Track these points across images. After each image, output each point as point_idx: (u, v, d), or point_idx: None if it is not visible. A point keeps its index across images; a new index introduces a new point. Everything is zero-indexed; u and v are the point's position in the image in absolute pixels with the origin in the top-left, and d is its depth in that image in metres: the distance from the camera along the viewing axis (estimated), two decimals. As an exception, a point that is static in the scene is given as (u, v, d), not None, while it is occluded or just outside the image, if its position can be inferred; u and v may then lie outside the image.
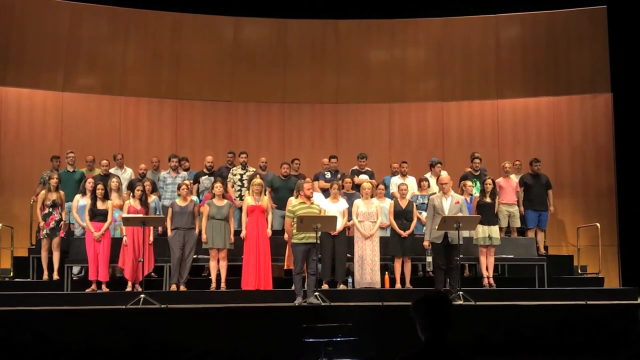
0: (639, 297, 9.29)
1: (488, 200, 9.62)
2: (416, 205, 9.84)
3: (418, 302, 3.06)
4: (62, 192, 9.77)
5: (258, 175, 9.77)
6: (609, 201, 12.53)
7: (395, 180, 10.72)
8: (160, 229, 9.67)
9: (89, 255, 9.12)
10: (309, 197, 8.70)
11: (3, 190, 12.12)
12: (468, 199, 9.76)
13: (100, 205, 9.26)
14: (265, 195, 9.64)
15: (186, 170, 11.24)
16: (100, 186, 9.35)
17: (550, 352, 7.70)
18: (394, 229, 9.50)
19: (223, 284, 9.21)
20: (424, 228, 9.58)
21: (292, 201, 9.12)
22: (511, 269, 10.67)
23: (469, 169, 11.03)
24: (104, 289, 9.11)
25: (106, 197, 9.44)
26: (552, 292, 9.33)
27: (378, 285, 9.24)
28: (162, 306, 7.98)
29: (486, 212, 9.45)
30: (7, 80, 12.34)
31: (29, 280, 9.84)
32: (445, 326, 3.00)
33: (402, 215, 9.56)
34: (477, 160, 10.94)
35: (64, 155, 11.01)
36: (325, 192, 10.09)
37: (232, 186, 10.52)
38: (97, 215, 9.22)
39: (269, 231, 9.32)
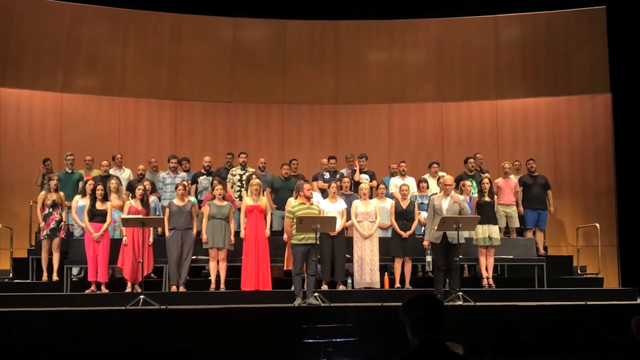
0: (638, 297, 9.29)
1: (487, 199, 9.60)
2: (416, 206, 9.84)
3: (407, 305, 2.99)
4: (61, 193, 9.77)
5: (255, 176, 9.77)
6: (609, 201, 12.53)
7: (395, 181, 10.71)
8: (159, 229, 9.66)
9: (89, 256, 9.11)
10: (308, 198, 8.69)
11: (2, 191, 12.11)
12: (467, 199, 9.75)
13: (99, 205, 9.25)
14: (264, 195, 9.64)
15: (186, 171, 11.25)
16: (99, 187, 9.34)
17: (550, 352, 7.70)
18: (395, 230, 9.50)
19: (222, 285, 9.19)
20: (423, 228, 9.58)
21: (292, 202, 9.12)
22: (511, 269, 10.66)
23: (464, 170, 11.05)
24: (104, 290, 9.10)
25: (105, 198, 9.44)
26: (552, 293, 9.33)
27: (377, 286, 9.24)
28: (162, 307, 7.97)
29: (486, 212, 9.42)
30: (6, 81, 12.35)
31: (28, 281, 9.84)
32: (438, 327, 2.94)
33: (403, 215, 9.56)
34: (471, 160, 10.96)
35: (63, 157, 11.01)
36: (324, 193, 10.09)
37: (232, 187, 10.51)
38: (96, 216, 9.21)
39: (268, 231, 9.31)
